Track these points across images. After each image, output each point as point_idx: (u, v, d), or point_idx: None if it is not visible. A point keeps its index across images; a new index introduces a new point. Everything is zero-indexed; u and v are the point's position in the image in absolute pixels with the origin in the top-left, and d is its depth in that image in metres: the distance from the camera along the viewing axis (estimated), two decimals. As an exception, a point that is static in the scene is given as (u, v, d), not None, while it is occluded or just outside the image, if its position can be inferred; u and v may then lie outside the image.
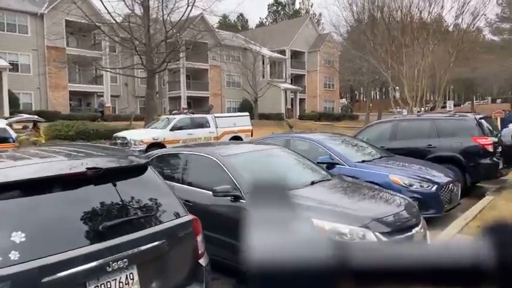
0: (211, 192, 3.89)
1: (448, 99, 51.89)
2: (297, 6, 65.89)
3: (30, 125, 11.84)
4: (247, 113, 17.96)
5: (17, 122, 12.00)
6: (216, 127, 15.36)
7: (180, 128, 14.19)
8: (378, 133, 9.05)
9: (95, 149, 2.75)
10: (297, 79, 45.59)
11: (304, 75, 45.92)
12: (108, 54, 29.59)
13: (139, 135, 13.44)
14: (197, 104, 39.25)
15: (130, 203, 2.23)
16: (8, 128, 10.66)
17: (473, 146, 7.53)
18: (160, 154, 5.03)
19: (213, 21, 50.21)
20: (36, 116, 12.32)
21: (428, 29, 15.45)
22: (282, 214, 0.35)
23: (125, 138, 13.21)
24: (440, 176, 6.17)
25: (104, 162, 2.25)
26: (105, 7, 17.50)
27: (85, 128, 17.41)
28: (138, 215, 2.21)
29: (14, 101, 25.80)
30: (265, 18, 70.40)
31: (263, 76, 39.45)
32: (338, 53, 41.48)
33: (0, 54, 25.31)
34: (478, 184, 8.33)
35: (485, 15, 41.85)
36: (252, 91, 36.10)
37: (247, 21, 73.17)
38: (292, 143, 7.09)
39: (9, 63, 26.50)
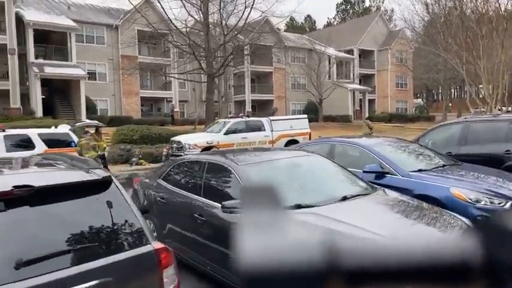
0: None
1: None
2: (367, 3, 63.27)
3: (92, 130, 12.39)
4: (305, 116, 17.27)
5: (80, 127, 12.65)
6: (272, 130, 14.91)
7: (235, 132, 13.98)
8: (444, 137, 7.91)
9: (64, 161, 2.42)
10: (366, 79, 43.57)
11: (374, 74, 43.72)
12: (177, 61, 30.71)
13: (193, 139, 13.46)
14: (261, 107, 39.24)
15: (71, 230, 1.84)
16: (71, 133, 11.22)
17: None
18: (180, 162, 4.68)
19: (280, 24, 49.96)
20: (97, 122, 12.87)
21: (508, 18, 13.42)
22: (271, 217, 0.35)
23: (180, 142, 13.31)
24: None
25: (47, 178, 1.89)
26: (166, 14, 17.98)
27: (148, 132, 18.01)
28: (75, 246, 1.79)
29: (91, 107, 27.79)
30: (333, 18, 68.61)
31: (329, 77, 38.20)
32: (411, 49, 38.76)
33: (80, 64, 27.40)
34: None
35: None
36: (316, 93, 35.11)
37: (314, 22, 71.99)
38: (337, 148, 6.37)
39: (88, 73, 28.69)
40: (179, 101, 34.42)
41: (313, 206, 3.36)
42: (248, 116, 15.47)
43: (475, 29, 13.90)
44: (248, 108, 38.01)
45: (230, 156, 4.02)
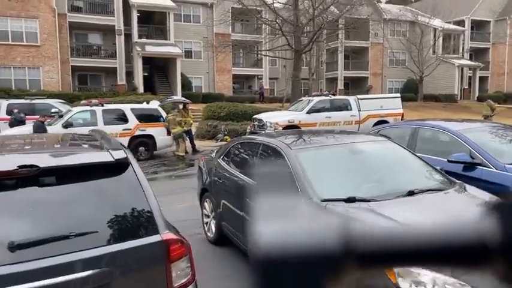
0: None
1: None
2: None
3: (181, 106, 12.95)
4: (397, 95, 15.90)
5: (170, 103, 13.31)
6: (359, 110, 14.03)
7: (318, 111, 13.45)
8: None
9: (92, 140, 2.37)
10: (478, 54, 38.67)
11: (489, 48, 38.58)
12: (268, 37, 30.64)
13: (275, 117, 13.29)
14: (355, 84, 37.46)
15: (72, 214, 1.76)
16: (160, 108, 11.88)
17: None
18: (239, 142, 4.52)
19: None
20: (184, 98, 13.41)
21: None
22: (287, 200, 0.35)
23: (261, 120, 13.27)
24: None
25: (56, 159, 1.84)
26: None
27: (235, 109, 18.35)
28: (72, 232, 1.70)
29: (187, 84, 29.33)
30: (443, -15, 61.46)
31: (433, 52, 34.67)
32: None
33: (177, 42, 28.91)
34: None
35: None
36: (417, 69, 32.21)
37: (421, -9, 65.50)
38: (420, 133, 5.62)
39: (184, 51, 30.17)
40: (270, 79, 34.50)
41: (369, 201, 2.93)
42: (334, 94, 14.74)
43: None
44: (340, 85, 36.57)
45: (285, 140, 3.71)
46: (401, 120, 14.98)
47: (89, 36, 27.06)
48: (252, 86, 34.86)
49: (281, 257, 0.30)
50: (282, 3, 17.96)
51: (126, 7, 26.52)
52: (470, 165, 4.74)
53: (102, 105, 10.98)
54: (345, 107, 14.05)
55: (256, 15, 19.64)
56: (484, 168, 4.63)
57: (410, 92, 34.45)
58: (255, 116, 14.00)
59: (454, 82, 34.70)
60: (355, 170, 3.40)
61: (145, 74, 28.75)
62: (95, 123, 10.73)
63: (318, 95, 14.42)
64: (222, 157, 4.65)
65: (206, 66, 31.68)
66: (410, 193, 3.12)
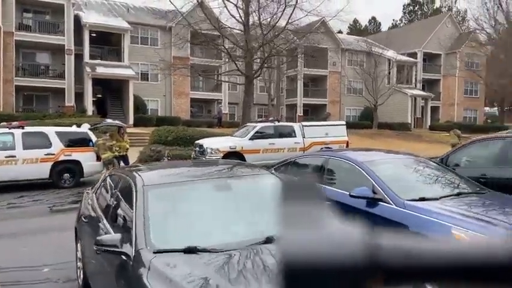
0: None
1: None
2: (437, 3, 58.83)
3: (115, 129, 12.28)
4: (343, 122, 15.96)
5: (101, 126, 12.62)
6: (304, 137, 13.86)
7: (262, 137, 13.16)
8: (481, 155, 6.44)
9: None
10: (430, 85, 40.34)
11: (439, 80, 40.36)
12: (228, 62, 30.67)
13: (217, 143, 12.87)
14: (314, 111, 37.93)
15: None
16: (89, 132, 11.18)
17: None
18: (112, 173, 3.99)
19: (343, 27, 48.18)
20: (118, 122, 12.78)
21: None
22: (313, 211, 0.35)
23: (202, 146, 12.81)
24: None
25: None
26: (207, 15, 17.65)
27: (183, 133, 17.80)
28: None
29: (142, 107, 28.59)
30: (400, 20, 64.78)
31: (388, 82, 35.81)
32: (481, 54, 35.08)
33: (133, 64, 28.30)
34: None
35: None
36: (371, 98, 33.05)
37: (379, 24, 68.76)
38: (330, 164, 5.31)
39: (141, 73, 29.58)
40: (230, 103, 34.31)
41: (211, 251, 2.47)
42: (278, 121, 14.55)
43: None
44: (300, 112, 36.91)
45: (144, 173, 3.25)
46: (347, 147, 14.96)
47: (37, 56, 25.99)
48: (211, 111, 34.52)
49: (305, 269, 0.30)
50: (234, 29, 17.93)
51: (79, 27, 25.80)
52: (372, 201, 4.44)
53: (23, 128, 10.18)
54: (289, 133, 13.85)
55: (207, 39, 19.43)
56: (384, 204, 4.33)
57: (367, 120, 35.21)
58: (196, 142, 13.54)
59: (407, 111, 35.81)
60: (215, 212, 2.96)
61: (99, 96, 27.82)
62: (12, 147, 9.90)
63: (262, 121, 14.17)
64: (95, 190, 4.12)
65: (163, 89, 31.13)
66: (269, 240, 2.69)
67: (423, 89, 39.29)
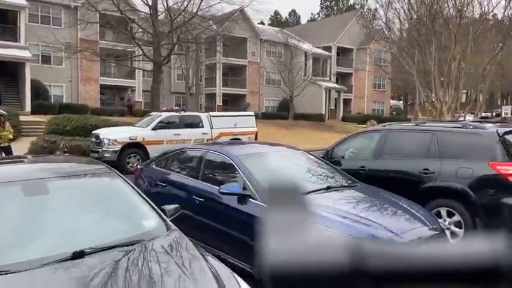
0: None
1: (505, 104, 45.25)
2: (351, 0, 62.00)
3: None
4: (252, 113, 15.90)
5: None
6: (211, 127, 13.51)
7: (166, 127, 12.52)
8: (363, 146, 6.63)
9: None
10: (343, 78, 42.43)
11: (352, 73, 42.60)
12: (136, 47, 29.05)
13: (115, 133, 11.97)
14: (234, 101, 37.80)
15: None
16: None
17: (489, 175, 4.90)
18: None
19: (264, 18, 48.24)
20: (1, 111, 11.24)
21: (460, 10, 12.22)
22: (297, 217, 0.35)
23: (98, 136, 11.82)
24: (412, 230, 3.76)
25: None
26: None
27: (84, 122, 16.42)
28: None
29: (43, 93, 25.98)
30: (317, 14, 67.26)
31: (304, 74, 36.89)
32: (385, 50, 37.71)
33: (33, 46, 25.53)
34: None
35: None
36: (288, 90, 33.80)
37: (299, 17, 70.74)
38: (207, 159, 5.00)
39: (42, 56, 26.82)
40: (144, 91, 32.66)
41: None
42: (184, 110, 14.00)
43: (428, 24, 12.72)
44: (219, 102, 36.52)
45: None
46: (255, 139, 14.94)
47: None
48: (124, 98, 32.59)
49: (289, 276, 0.30)
50: (142, 12, 16.85)
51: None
52: (242, 198, 4.21)
53: None
54: (196, 124, 13.39)
55: (108, 21, 18.03)
56: (253, 201, 4.13)
57: (285, 111, 36.01)
58: (93, 132, 12.47)
59: (322, 103, 37.29)
60: (19, 221, 2.44)
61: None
62: None
63: (167, 110, 13.52)
64: None
65: (68, 74, 28.60)
66: (79, 255, 2.25)
67: (337, 82, 41.20)
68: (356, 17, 42.66)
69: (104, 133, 11.89)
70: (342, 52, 42.06)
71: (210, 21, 27.19)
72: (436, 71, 11.88)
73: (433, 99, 12.44)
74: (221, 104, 36.39)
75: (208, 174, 4.87)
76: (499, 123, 6.00)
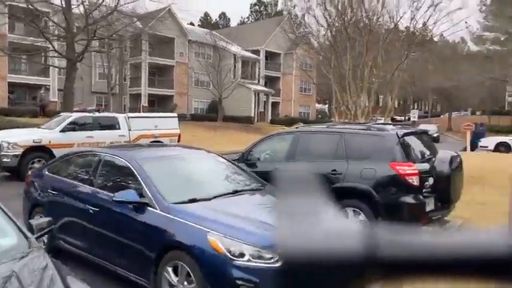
0: None
1: (415, 109, 49.64)
2: (280, 6, 63.59)
3: None
4: (175, 114, 15.38)
5: None
6: (129, 129, 12.77)
7: (77, 129, 11.56)
8: (278, 148, 6.60)
9: None
10: (271, 81, 43.21)
11: (280, 77, 43.55)
12: (57, 42, 26.81)
13: (16, 136, 10.78)
14: (161, 102, 36.61)
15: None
16: None
17: (390, 175, 5.09)
18: None
19: (194, 19, 47.36)
20: None
21: (371, 19, 13.13)
22: (310, 203, 0.35)
23: (-5, 139, 10.54)
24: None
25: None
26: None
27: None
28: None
29: None
30: (247, 18, 67.92)
31: (234, 76, 36.92)
32: (310, 56, 39.18)
33: None
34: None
35: (466, 22, 39.99)
36: (217, 91, 33.56)
37: (229, 20, 70.92)
38: (104, 162, 4.56)
39: None
40: (60, 90, 30.31)
41: None
42: (99, 111, 13.10)
43: (343, 31, 13.44)
44: (144, 102, 35.12)
45: None
46: (178, 141, 14.45)
47: None
48: (36, 98, 29.91)
49: (303, 263, 0.30)
50: (55, 4, 15.49)
51: None
52: (139, 206, 3.86)
53: None
54: (112, 125, 12.55)
55: (13, 13, 16.36)
56: (150, 209, 3.80)
57: (214, 113, 35.69)
58: (-8, 134, 11.10)
59: (251, 105, 37.59)
60: None
61: None
62: None
63: (79, 111, 12.52)
64: None
65: (-30, 69, 25.57)
66: None
67: (265, 85, 41.83)
68: (284, 23, 43.75)
69: (2, 136, 10.64)
70: (270, 56, 42.85)
71: (134, 18, 26.05)
72: (350, 76, 12.49)
73: (349, 103, 13.03)
74: (147, 104, 35.07)
75: (104, 181, 4.44)
76: (399, 126, 6.31)
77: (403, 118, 48.22)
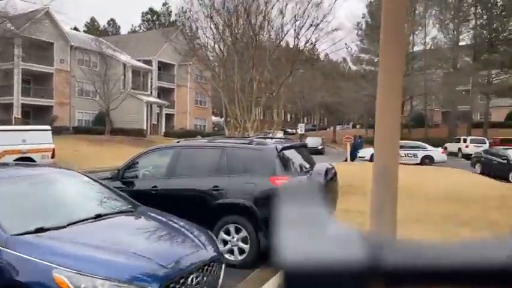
0: None
1: (304, 122, 53.56)
2: (173, 17, 62.78)
3: None
4: (47, 127, 13.79)
5: None
6: (-10, 144, 11.00)
7: None
8: (158, 164, 6.17)
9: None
10: (165, 93, 42.03)
11: (174, 89, 42.61)
12: None
13: None
14: (39, 113, 32.78)
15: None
16: None
17: (269, 189, 5.07)
18: None
19: (78, 23, 43.70)
20: None
21: (257, 34, 13.72)
22: (312, 212, 0.35)
23: None
24: (186, 257, 3.40)
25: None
26: None
27: None
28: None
29: None
30: (139, 26, 65.57)
31: (124, 86, 34.96)
32: (203, 68, 39.28)
33: None
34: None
35: (346, 44, 44.33)
36: (104, 102, 31.35)
37: (119, 27, 67.68)
38: None
39: None
40: None
41: None
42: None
43: (230, 45, 13.71)
44: (17, 113, 31.06)
45: None
46: (53, 157, 12.92)
47: None
48: None
49: (306, 273, 0.29)
50: None
51: None
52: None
53: None
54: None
55: None
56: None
57: (101, 125, 33.22)
58: None
59: (143, 117, 35.99)
60: None
61: None
62: None
63: None
64: None
65: None
66: None
67: (159, 97, 40.52)
68: (177, 33, 43.13)
69: None
70: (164, 67, 41.76)
71: (4, 19, 23.05)
72: (239, 89, 12.63)
73: (237, 116, 13.14)
74: (20, 116, 31.08)
75: None
76: (280, 139, 6.42)
77: (294, 131, 51.11)
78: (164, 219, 3.95)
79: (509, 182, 17.14)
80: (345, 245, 0.31)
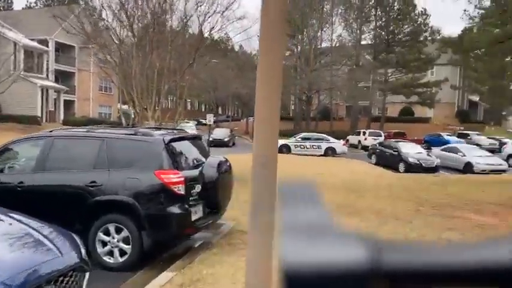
0: None
1: (219, 113, 53.48)
2: (76, -5, 57.47)
3: None
4: None
5: None
6: None
7: None
8: (25, 157, 5.32)
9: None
10: (65, 77, 38.36)
11: (75, 73, 39.09)
12: None
13: None
14: None
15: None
16: None
17: (155, 184, 4.62)
18: None
19: None
20: None
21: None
22: (313, 214, 0.35)
23: None
24: (36, 267, 2.83)
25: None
26: None
27: None
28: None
29: None
30: (35, 2, 58.83)
31: (14, 68, 31.02)
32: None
33: None
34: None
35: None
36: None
37: (12, 2, 60.16)
38: None
39: None
40: None
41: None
42: None
43: (128, 27, 12.78)
44: None
45: None
46: None
47: None
48: None
49: (307, 276, 0.29)
50: None
51: None
52: None
53: None
54: None
55: None
56: None
57: (-15, 111, 29.24)
58: None
59: (37, 103, 32.48)
60: None
61: None
62: None
63: None
64: None
65: None
66: None
67: (57, 81, 36.89)
68: (79, 12, 39.48)
69: None
70: (63, 48, 38.00)
71: None
72: (137, 74, 11.80)
73: (135, 104, 12.31)
74: None
75: None
76: (169, 130, 5.98)
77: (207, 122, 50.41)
78: (9, 220, 3.30)
79: (399, 172, 18.82)
80: (345, 247, 0.30)
